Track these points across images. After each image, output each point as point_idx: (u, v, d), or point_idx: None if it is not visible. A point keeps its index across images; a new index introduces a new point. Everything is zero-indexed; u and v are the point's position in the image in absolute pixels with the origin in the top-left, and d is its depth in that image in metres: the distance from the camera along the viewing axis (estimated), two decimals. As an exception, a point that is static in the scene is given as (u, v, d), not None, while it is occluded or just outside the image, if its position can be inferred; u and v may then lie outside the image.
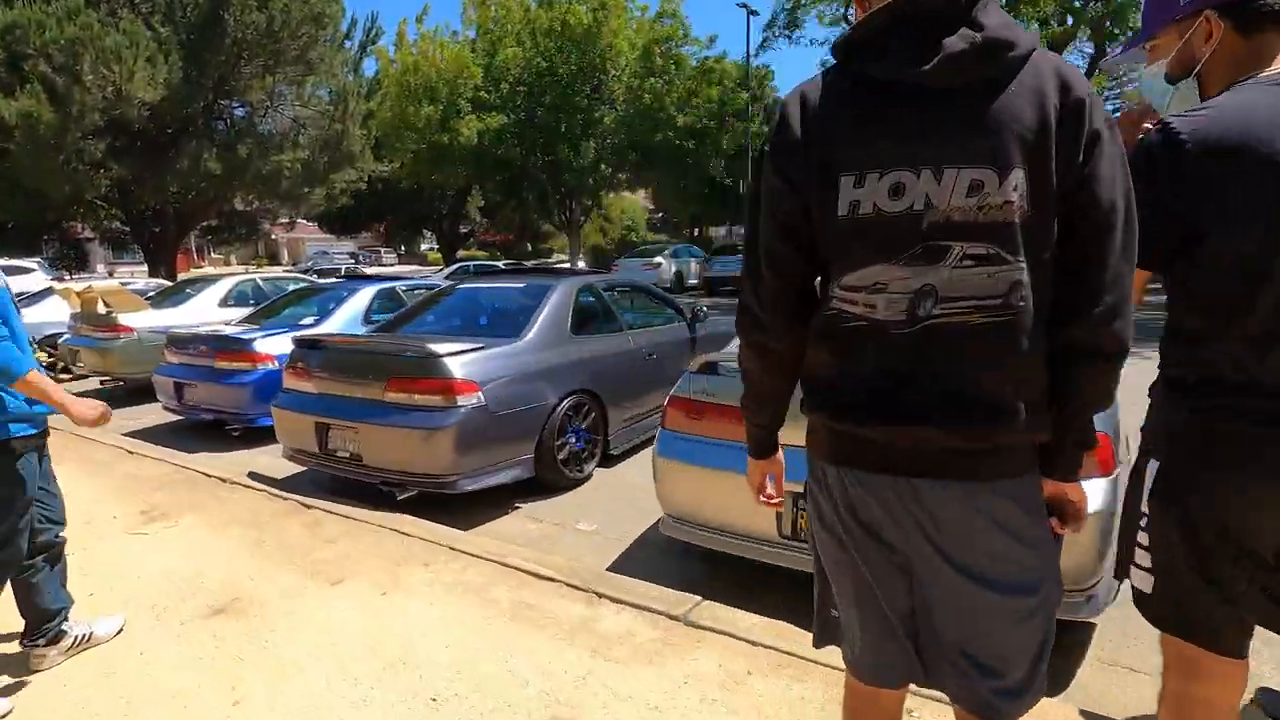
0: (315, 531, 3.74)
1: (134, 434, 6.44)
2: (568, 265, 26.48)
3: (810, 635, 1.53)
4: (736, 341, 1.37)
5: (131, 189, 22.11)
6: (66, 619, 2.59)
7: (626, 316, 5.49)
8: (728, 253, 20.08)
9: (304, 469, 4.69)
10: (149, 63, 19.53)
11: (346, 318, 6.51)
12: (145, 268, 45.34)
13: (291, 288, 9.48)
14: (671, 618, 2.71)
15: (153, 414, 7.23)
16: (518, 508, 4.31)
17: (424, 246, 60.10)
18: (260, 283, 8.92)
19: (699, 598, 2.83)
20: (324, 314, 6.50)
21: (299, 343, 4.55)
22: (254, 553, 3.51)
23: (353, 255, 46.34)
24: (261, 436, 5.94)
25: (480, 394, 3.90)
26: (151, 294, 8.49)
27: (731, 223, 42.41)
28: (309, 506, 4.05)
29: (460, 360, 3.93)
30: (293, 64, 22.59)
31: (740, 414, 1.48)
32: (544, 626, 2.71)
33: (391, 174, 24.83)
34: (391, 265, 46.20)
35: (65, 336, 8.34)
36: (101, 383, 8.31)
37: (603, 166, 22.02)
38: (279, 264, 54.40)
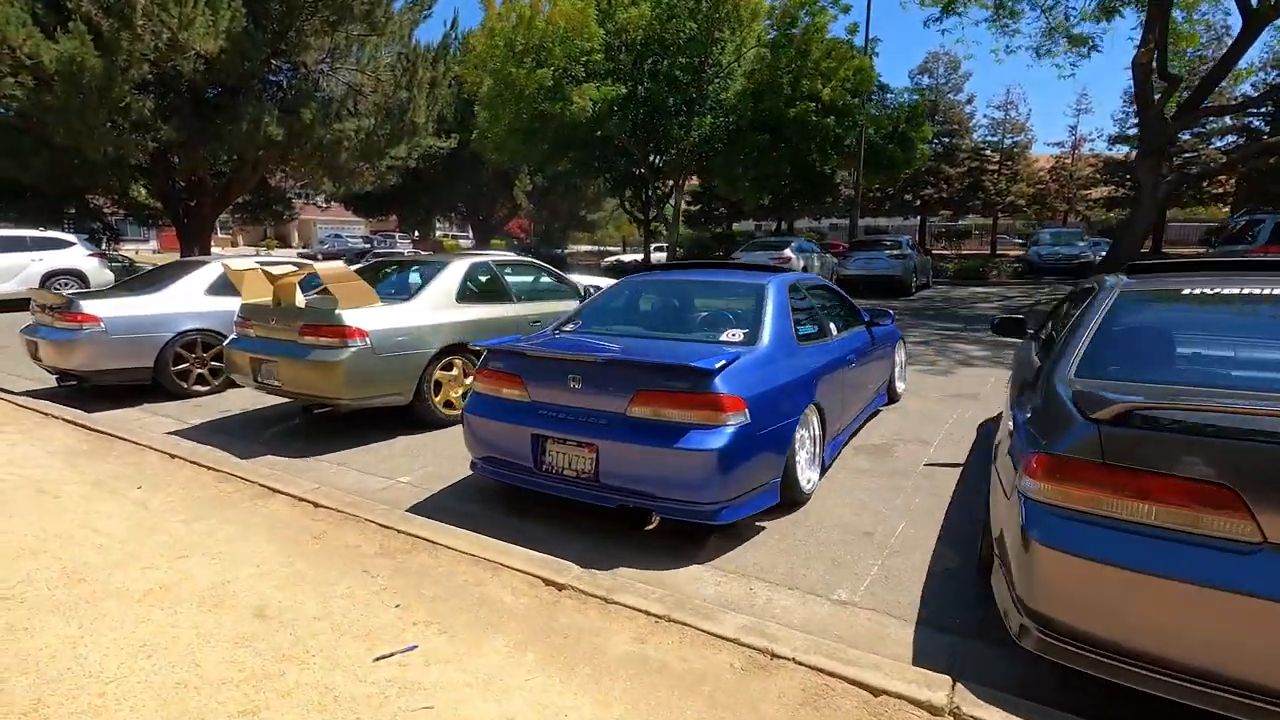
0: None
1: (415, 509, 3.96)
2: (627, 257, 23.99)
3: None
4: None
5: (175, 155, 19.31)
6: None
7: None
8: (868, 247, 17.74)
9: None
10: (210, 8, 16.75)
11: (775, 325, 4.07)
12: (151, 244, 42.22)
13: (526, 274, 7.02)
14: None
15: (404, 464, 4.71)
16: None
17: (438, 232, 57.16)
18: (495, 267, 6.39)
19: None
20: (752, 325, 4.06)
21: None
22: None
23: (367, 239, 43.30)
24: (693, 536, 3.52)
25: None
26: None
27: (805, 216, 38.70)
28: None
29: None
30: (359, 21, 20.01)
31: None
32: None
33: (457, 148, 22.22)
34: (407, 250, 43.15)
35: (232, 337, 5.78)
36: (305, 409, 5.74)
37: (717, 145, 19.54)
38: (289, 246, 51.50)
